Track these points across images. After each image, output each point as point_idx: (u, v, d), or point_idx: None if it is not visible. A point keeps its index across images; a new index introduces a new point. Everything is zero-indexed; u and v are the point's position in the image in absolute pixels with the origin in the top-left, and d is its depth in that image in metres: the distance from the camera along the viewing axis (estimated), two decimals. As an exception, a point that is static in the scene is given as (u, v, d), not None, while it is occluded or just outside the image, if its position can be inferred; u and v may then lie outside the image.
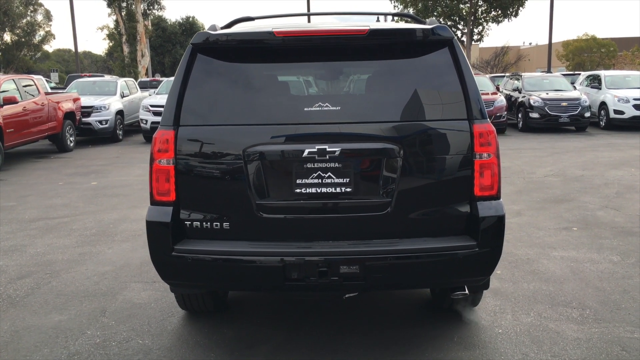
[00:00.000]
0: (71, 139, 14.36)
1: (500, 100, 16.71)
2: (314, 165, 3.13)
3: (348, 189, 3.15)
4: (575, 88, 18.80)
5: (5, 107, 11.29)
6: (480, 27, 32.50)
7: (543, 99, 16.86)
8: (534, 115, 16.83)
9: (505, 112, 16.73)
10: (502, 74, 26.80)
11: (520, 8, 30.72)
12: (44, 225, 6.99)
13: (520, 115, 17.58)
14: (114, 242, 6.15)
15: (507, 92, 19.11)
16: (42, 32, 54.77)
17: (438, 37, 3.23)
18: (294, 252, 3.11)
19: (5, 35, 53.23)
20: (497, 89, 18.95)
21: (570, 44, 54.89)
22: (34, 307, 4.39)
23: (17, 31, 53.09)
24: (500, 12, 31.29)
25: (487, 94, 16.57)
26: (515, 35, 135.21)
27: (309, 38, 3.20)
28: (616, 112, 17.08)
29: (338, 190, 3.15)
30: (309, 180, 3.14)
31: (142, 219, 3.24)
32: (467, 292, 3.48)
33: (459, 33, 33.04)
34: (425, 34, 3.22)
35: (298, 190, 3.15)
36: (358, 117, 3.16)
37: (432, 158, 3.17)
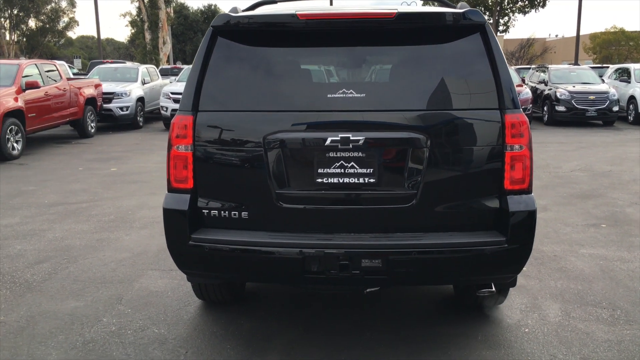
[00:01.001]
0: (92, 124, 14.41)
1: (526, 92, 16.36)
2: (336, 154, 3.00)
3: (372, 180, 3.02)
4: (603, 81, 18.33)
5: (27, 91, 11.32)
6: (506, 18, 31.89)
7: (570, 92, 16.46)
8: (560, 108, 16.46)
9: (531, 105, 16.38)
10: (528, 66, 26.28)
11: (548, -1, 30.15)
12: (63, 210, 6.98)
13: (545, 109, 17.20)
14: (132, 229, 6.10)
15: (533, 85, 18.71)
16: (66, 19, 55.27)
17: (469, 22, 3.07)
18: (314, 244, 3.00)
19: (30, 21, 53.83)
20: (523, 81, 18.57)
21: (598, 37, 53.76)
22: (51, 293, 4.35)
23: (42, 17, 53.65)
24: (527, 2, 30.69)
25: (513, 86, 16.19)
26: (541, 27, 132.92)
27: (333, 21, 3.07)
28: (645, 106, 16.61)
29: (361, 180, 3.02)
30: (331, 170, 3.02)
31: (160, 206, 3.16)
32: (493, 289, 3.33)
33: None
34: (456, 18, 3.06)
35: (320, 180, 3.03)
36: (383, 105, 3.03)
37: (460, 149, 3.02)
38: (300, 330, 3.74)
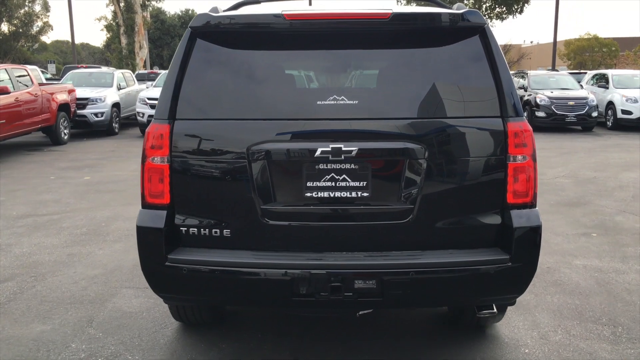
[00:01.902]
0: (65, 131, 13.96)
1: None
2: (327, 166, 2.76)
3: (365, 194, 2.78)
4: (582, 87, 18.43)
5: (-4, 97, 10.87)
6: (484, 24, 32.04)
7: (550, 98, 16.49)
8: (540, 114, 16.47)
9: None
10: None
11: (526, 5, 30.34)
12: (32, 222, 6.61)
13: (525, 114, 17.16)
14: (106, 243, 5.78)
15: (512, 90, 18.70)
16: (40, 23, 54.13)
17: (468, 24, 2.86)
18: (302, 264, 2.74)
19: (2, 25, 52.66)
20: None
21: (572, 43, 54.46)
22: (15, 315, 4.02)
23: (15, 22, 52.49)
24: (505, 8, 30.89)
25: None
26: (516, 33, 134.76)
27: (323, 22, 2.83)
28: (624, 112, 16.72)
29: (354, 194, 2.78)
30: (321, 183, 2.78)
31: (136, 217, 2.88)
32: (495, 310, 3.11)
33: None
34: (453, 19, 2.85)
35: (309, 194, 2.78)
36: (378, 113, 2.79)
37: (460, 160, 2.80)
38: (287, 354, 3.47)
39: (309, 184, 2.78)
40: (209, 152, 2.81)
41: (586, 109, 16.26)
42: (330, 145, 2.70)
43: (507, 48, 46.18)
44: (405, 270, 2.73)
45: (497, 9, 31.29)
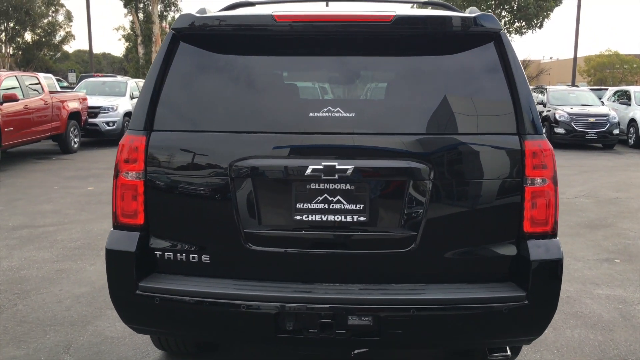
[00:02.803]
0: (75, 139, 13.82)
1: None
2: (319, 186, 2.45)
3: (362, 218, 2.46)
4: (602, 103, 17.93)
5: (4, 104, 10.74)
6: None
7: (569, 114, 16.03)
8: (560, 130, 16.01)
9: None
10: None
11: (546, 20, 29.86)
12: (26, 234, 6.37)
13: (544, 130, 16.72)
14: (98, 257, 5.50)
15: (531, 106, 18.26)
16: (62, 33, 54.80)
17: (482, 29, 2.54)
18: (289, 297, 2.42)
19: (26, 34, 53.35)
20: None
21: (593, 60, 53.81)
22: (-11, 337, 3.74)
23: (38, 31, 53.18)
24: (524, 23, 30.44)
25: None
26: (535, 49, 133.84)
27: (317, 25, 2.53)
28: (647, 129, 16.19)
29: (349, 219, 2.46)
30: (313, 205, 2.46)
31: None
32: (508, 353, 2.76)
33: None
34: (465, 24, 2.53)
35: (298, 217, 2.47)
36: (377, 127, 2.48)
37: (470, 182, 2.47)
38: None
39: (298, 205, 2.47)
40: (188, 168, 2.52)
41: (607, 126, 15.77)
42: (323, 163, 2.39)
43: (526, 63, 45.69)
44: (406, 307, 2.40)
45: (517, 24, 30.86)
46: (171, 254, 2.55)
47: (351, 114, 2.46)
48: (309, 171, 2.39)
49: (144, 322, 2.62)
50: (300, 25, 2.51)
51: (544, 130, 2.55)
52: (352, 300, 2.40)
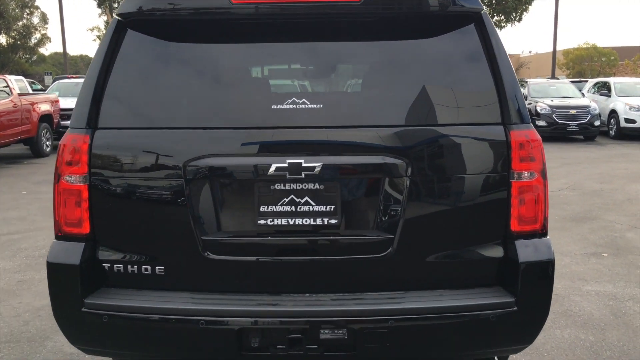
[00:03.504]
0: (47, 143, 13.38)
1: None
2: (284, 186, 2.20)
3: (333, 221, 2.22)
4: (583, 95, 17.90)
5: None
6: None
7: (550, 106, 15.96)
8: (541, 123, 15.90)
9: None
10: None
11: (525, 13, 29.85)
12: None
13: (526, 123, 16.61)
14: (63, 267, 5.18)
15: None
16: (38, 35, 53.75)
17: (461, 9, 2.31)
18: (253, 311, 2.17)
19: (0, 37, 52.25)
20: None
21: (571, 53, 54.13)
22: (-64, 359, 3.43)
23: (13, 34, 52.11)
24: (503, 17, 30.41)
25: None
26: (514, 43, 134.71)
27: (278, 6, 2.27)
28: (627, 120, 16.15)
29: (319, 222, 2.22)
30: (278, 208, 2.21)
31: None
32: (497, 363, 2.53)
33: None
34: (442, 3, 2.30)
35: (262, 222, 2.22)
36: (348, 120, 2.24)
37: (451, 178, 2.24)
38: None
39: (262, 208, 2.22)
40: (138, 170, 2.25)
41: (588, 118, 15.72)
42: (288, 161, 2.14)
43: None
44: (384, 318, 2.16)
45: (496, 17, 30.83)
46: (121, 265, 2.28)
47: (318, 106, 2.21)
48: (272, 170, 2.14)
49: (92, 342, 2.34)
50: (260, 7, 2.25)
51: (530, 120, 2.32)
52: (324, 313, 2.15)
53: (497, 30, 2.32)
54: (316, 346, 2.19)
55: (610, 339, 3.66)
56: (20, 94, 12.73)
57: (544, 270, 2.25)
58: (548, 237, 2.32)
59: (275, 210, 2.22)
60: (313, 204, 2.21)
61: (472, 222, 2.27)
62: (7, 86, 12.18)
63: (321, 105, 2.21)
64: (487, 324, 2.19)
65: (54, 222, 2.34)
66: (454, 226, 2.26)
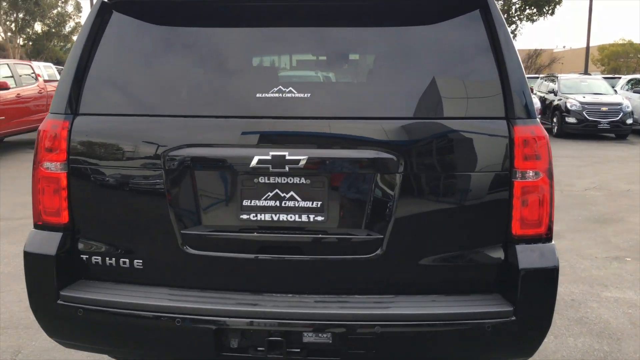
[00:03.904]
0: (71, 129, 13.50)
1: (534, 102, 15.34)
2: (268, 180, 2.08)
3: (319, 218, 2.09)
4: (615, 92, 17.32)
5: (-6, 92, 10.47)
6: (514, 26, 30.82)
7: (581, 103, 15.46)
8: (571, 120, 15.44)
9: (540, 116, 15.39)
10: (536, 75, 25.25)
11: (557, 6, 29.04)
12: (3, 226, 6.08)
13: (555, 120, 16.15)
14: (71, 253, 5.16)
15: (542, 95, 17.71)
16: (72, 23, 54.62)
17: (465, -7, 2.14)
18: (232, 310, 2.05)
19: (35, 25, 53.20)
20: (531, 90, 17.57)
21: (606, 49, 52.76)
22: None
23: (48, 22, 53.02)
24: (535, 10, 29.65)
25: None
26: (548, 38, 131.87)
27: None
28: (662, 119, 15.59)
29: (304, 218, 2.09)
30: (262, 203, 2.09)
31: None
32: (494, 375, 2.37)
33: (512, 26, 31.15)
34: (445, -14, 2.13)
35: (245, 217, 2.10)
36: (337, 111, 2.10)
37: (447, 176, 2.08)
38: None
39: (245, 202, 2.10)
40: (117, 158, 2.15)
41: (620, 116, 15.19)
42: (271, 153, 2.01)
43: (538, 52, 44.87)
44: (370, 323, 2.02)
45: (528, 10, 30.09)
46: (99, 258, 2.20)
47: (305, 95, 2.07)
48: (254, 162, 2.02)
49: (68, 336, 2.26)
50: None
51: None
52: (305, 315, 2.03)
53: (530, 23, 2.14)
54: (298, 350, 2.06)
55: (626, 350, 3.45)
56: (46, 81, 12.87)
57: (547, 278, 2.08)
58: (553, 242, 2.14)
59: (258, 204, 2.09)
60: (299, 199, 2.08)
61: (470, 223, 2.12)
62: (33, 72, 12.32)
63: (309, 95, 2.07)
64: (482, 334, 2.04)
65: (32, 210, 2.26)
66: (450, 228, 2.11)
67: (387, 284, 2.13)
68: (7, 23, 52.28)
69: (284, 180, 2.07)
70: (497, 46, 2.11)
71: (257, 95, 2.08)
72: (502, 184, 2.08)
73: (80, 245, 2.21)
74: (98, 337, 2.21)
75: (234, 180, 2.10)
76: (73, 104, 2.17)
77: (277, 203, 2.09)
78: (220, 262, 2.13)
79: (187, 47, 2.23)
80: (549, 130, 16.56)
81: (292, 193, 2.09)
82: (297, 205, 2.09)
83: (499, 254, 2.12)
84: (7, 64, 11.60)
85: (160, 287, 2.16)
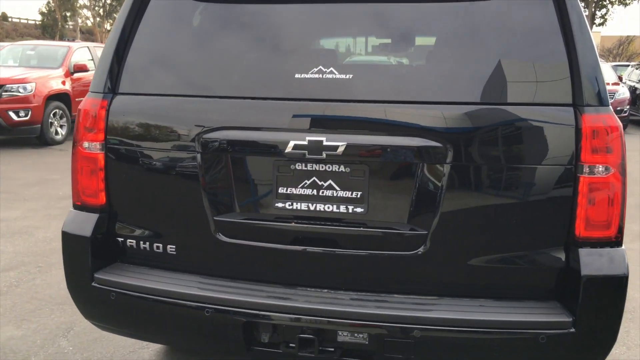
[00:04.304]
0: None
1: (623, 92, 14.28)
2: (306, 166, 1.95)
3: (359, 209, 1.94)
4: (620, 79, 15.77)
5: (75, 75, 10.90)
6: (604, 10, 28.90)
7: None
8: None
9: (628, 107, 14.32)
10: (627, 63, 23.60)
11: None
12: (70, 204, 6.29)
13: (644, 112, 15.04)
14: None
15: (632, 84, 16.48)
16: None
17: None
18: (262, 304, 1.95)
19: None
20: (620, 79, 16.41)
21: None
22: (-5, 313, 3.56)
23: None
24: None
25: (608, 84, 14.12)
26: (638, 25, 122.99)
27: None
28: None
29: (342, 209, 1.95)
30: (298, 191, 1.97)
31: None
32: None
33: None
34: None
35: (280, 205, 1.99)
36: (380, 94, 1.93)
37: (501, 168, 1.87)
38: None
39: (281, 190, 1.98)
40: (153, 139, 2.09)
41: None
42: (307, 138, 1.88)
43: (630, 39, 42.02)
44: (411, 326, 1.86)
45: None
46: (134, 241, 2.15)
47: (347, 76, 1.91)
48: (289, 147, 1.89)
49: (102, 319, 2.25)
50: None
51: (627, 106, 1.89)
52: (337, 313, 1.89)
53: (622, 7, 1.90)
54: (332, 349, 1.94)
55: None
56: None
57: (614, 287, 1.84)
58: (623, 247, 1.89)
59: (295, 192, 1.97)
60: (337, 188, 1.94)
61: (526, 222, 1.90)
62: (92, 59, 12.19)
63: (351, 76, 1.91)
64: (535, 346, 1.83)
65: (72, 190, 2.25)
66: (503, 226, 1.90)
67: (431, 284, 1.95)
68: (96, 8, 54.81)
69: (322, 167, 1.94)
70: (567, 25, 1.87)
71: (297, 75, 1.95)
72: (565, 179, 1.84)
73: (117, 228, 2.18)
74: (129, 321, 2.17)
75: (270, 166, 1.98)
76: (112, 83, 2.13)
77: (315, 192, 1.96)
78: (253, 251, 2.03)
79: (225, 25, 2.12)
80: (639, 123, 15.43)
81: (330, 181, 1.95)
82: (335, 195, 1.95)
83: (559, 257, 1.89)
84: (87, 47, 12.04)
85: (193, 275, 2.09)
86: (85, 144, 2.15)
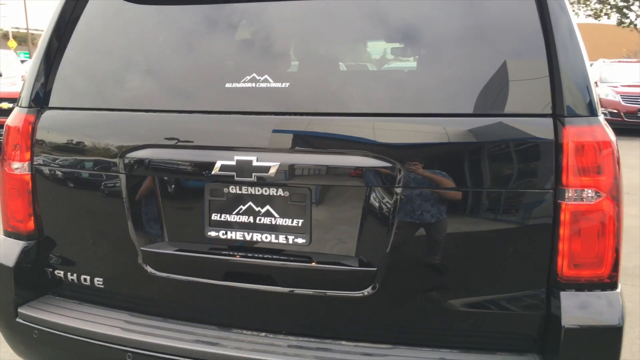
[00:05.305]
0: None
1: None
2: (240, 190, 1.68)
3: (300, 240, 1.66)
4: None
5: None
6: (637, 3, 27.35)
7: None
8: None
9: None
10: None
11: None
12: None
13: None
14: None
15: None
16: None
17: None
18: (186, 350, 1.68)
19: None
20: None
21: None
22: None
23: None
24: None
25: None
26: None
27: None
28: None
29: (282, 239, 1.67)
30: (233, 218, 1.71)
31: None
32: None
33: (632, 15, 27.93)
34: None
35: (213, 234, 1.73)
36: (321, 105, 1.66)
37: (466, 193, 1.55)
38: None
39: (214, 217, 1.72)
40: (79, 159, 1.87)
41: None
42: (236, 157, 1.61)
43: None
44: None
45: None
46: (62, 272, 1.93)
47: (284, 85, 1.64)
48: (216, 169, 1.63)
49: (29, 355, 2.03)
50: None
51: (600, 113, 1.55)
52: None
53: None
54: None
55: None
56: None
57: (605, 340, 1.49)
58: (619, 289, 1.54)
59: (229, 220, 1.71)
60: (276, 215, 1.67)
61: (498, 258, 1.57)
62: None
63: (287, 85, 1.64)
64: None
65: (2, 215, 2.05)
66: (468, 263, 1.58)
67: (383, 330, 1.65)
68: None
69: (259, 191, 1.67)
70: (546, 20, 1.54)
71: (227, 85, 1.69)
72: (543, 206, 1.51)
73: (45, 257, 1.97)
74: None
75: (202, 189, 1.73)
76: (41, 96, 1.92)
77: (251, 219, 1.69)
78: (185, 287, 1.77)
79: (157, 31, 1.89)
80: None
81: (268, 207, 1.67)
82: (274, 222, 1.67)
83: (538, 301, 1.55)
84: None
85: (122, 312, 1.85)
86: (13, 164, 1.95)
